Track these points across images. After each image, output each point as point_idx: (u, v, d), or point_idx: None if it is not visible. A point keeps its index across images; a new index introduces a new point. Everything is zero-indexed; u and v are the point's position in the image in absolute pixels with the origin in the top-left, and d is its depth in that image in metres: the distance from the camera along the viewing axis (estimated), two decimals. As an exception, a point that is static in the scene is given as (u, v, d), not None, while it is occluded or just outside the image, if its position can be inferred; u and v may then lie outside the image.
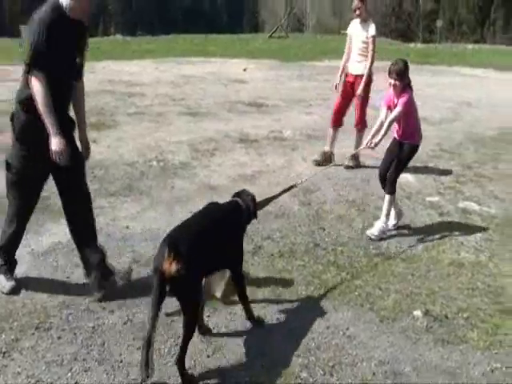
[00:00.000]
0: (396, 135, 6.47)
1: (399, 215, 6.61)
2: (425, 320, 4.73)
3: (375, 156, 8.78)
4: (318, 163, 8.31)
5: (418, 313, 4.81)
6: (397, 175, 6.40)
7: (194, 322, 3.86)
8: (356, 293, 5.06)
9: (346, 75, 8.56)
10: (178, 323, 4.32)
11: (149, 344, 3.58)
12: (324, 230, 6.26)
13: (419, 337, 4.51)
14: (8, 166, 4.63)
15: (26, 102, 4.38)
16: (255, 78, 16.50)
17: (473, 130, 11.59)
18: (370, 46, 8.32)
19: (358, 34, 8.40)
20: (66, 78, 4.52)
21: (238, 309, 4.61)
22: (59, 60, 4.31)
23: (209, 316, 4.56)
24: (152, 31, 40.13)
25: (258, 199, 4.76)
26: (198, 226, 3.99)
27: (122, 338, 4.26)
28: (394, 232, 6.43)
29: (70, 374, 3.86)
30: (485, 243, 6.37)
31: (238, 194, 4.63)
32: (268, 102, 12.98)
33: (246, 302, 4.44)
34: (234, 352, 4.17)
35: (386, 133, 6.21)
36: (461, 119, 12.67)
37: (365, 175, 8.02)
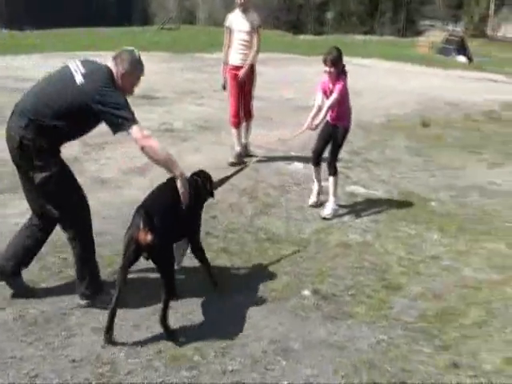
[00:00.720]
0: (329, 119, 6.84)
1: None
2: (313, 299, 4.93)
3: (267, 147, 9.04)
4: (234, 164, 8.18)
5: (306, 292, 5.01)
6: (335, 157, 6.88)
7: (171, 283, 4.20)
8: (247, 277, 5.21)
9: (231, 69, 8.37)
10: (69, 316, 4.39)
11: (114, 308, 4.02)
12: (215, 218, 6.36)
13: (308, 315, 4.70)
14: None
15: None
16: (146, 71, 16.24)
17: (361, 118, 11.93)
18: (256, 36, 8.26)
19: (241, 24, 8.25)
20: None
21: (131, 300, 4.63)
22: None
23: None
24: (39, 25, 38.89)
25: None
26: (165, 199, 4.35)
27: (13, 334, 4.20)
28: (283, 216, 6.62)
29: (-40, 372, 3.79)
30: (371, 224, 6.67)
31: (196, 174, 4.93)
32: (159, 94, 12.94)
33: (207, 265, 4.85)
34: (126, 340, 4.20)
35: (324, 116, 6.65)
36: (348, 107, 13.05)
37: (255, 164, 8.17)
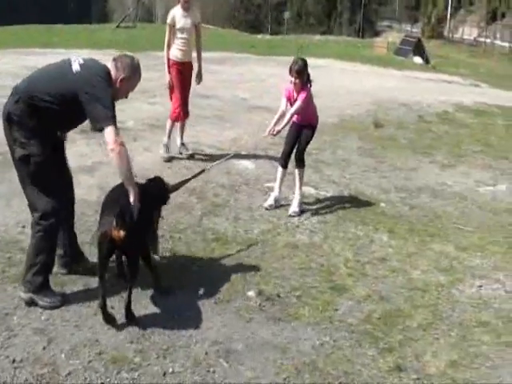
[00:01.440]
0: (296, 121, 7.04)
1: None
2: (258, 300, 4.87)
3: (218, 147, 8.98)
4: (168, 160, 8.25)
5: (251, 293, 4.94)
6: (303, 151, 7.13)
7: (137, 273, 4.46)
8: (192, 277, 5.12)
9: (174, 64, 8.35)
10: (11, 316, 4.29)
11: (104, 303, 4.26)
12: (163, 218, 6.24)
13: (252, 316, 4.65)
14: None
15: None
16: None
17: (314, 118, 12.00)
18: (197, 33, 8.36)
19: (183, 22, 8.21)
20: None
21: (73, 300, 4.59)
22: None
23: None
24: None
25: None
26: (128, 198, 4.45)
27: None
28: (232, 217, 6.56)
29: None
30: (319, 225, 6.65)
31: (151, 180, 5.20)
32: (112, 92, 12.75)
33: (152, 268, 4.85)
34: (68, 341, 4.11)
35: (287, 123, 6.87)
36: (302, 108, 13.06)
37: (203, 164, 8.10)
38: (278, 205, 7.08)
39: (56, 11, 62.58)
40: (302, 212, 6.96)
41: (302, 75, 6.71)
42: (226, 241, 5.95)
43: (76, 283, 4.82)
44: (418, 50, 34.22)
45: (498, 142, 11.98)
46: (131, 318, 4.39)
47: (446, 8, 68.93)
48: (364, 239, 6.38)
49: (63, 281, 4.82)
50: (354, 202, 7.51)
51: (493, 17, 67.34)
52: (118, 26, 33.79)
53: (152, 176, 5.35)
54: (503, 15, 66.70)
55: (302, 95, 6.75)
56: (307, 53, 25.99)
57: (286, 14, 55.58)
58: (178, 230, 6.07)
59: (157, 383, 3.81)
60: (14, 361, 3.87)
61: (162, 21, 55.85)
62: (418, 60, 32.31)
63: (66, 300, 4.59)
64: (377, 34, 63.70)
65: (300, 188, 7.09)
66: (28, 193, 4.55)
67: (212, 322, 4.51)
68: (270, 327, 4.53)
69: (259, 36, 41.69)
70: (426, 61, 32.98)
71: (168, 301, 4.72)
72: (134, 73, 4.59)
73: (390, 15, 79.38)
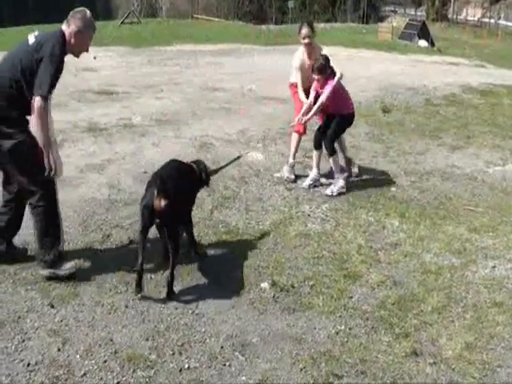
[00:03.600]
0: (327, 111, 7.43)
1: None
2: (272, 291, 4.88)
3: (224, 138, 8.98)
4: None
5: (264, 285, 4.95)
6: (330, 141, 7.36)
7: (178, 246, 4.69)
8: (206, 271, 5.12)
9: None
10: (24, 319, 4.29)
11: (141, 269, 4.58)
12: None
13: (266, 307, 4.66)
14: None
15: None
16: (106, 66, 16.15)
17: (322, 106, 11.96)
18: None
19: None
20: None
21: (86, 299, 4.60)
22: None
23: (53, 307, 4.50)
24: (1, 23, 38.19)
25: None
26: (173, 172, 4.95)
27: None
28: (243, 209, 6.56)
29: None
30: (331, 213, 6.64)
31: (194, 162, 5.48)
32: (118, 89, 12.74)
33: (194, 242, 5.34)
34: (82, 342, 4.12)
35: (315, 113, 7.28)
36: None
37: (215, 156, 8.10)
38: (318, 184, 7.48)
39: (61, 10, 62.57)
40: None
41: (323, 72, 7.05)
42: (237, 233, 5.95)
43: (89, 283, 4.83)
44: (423, 33, 33.92)
45: (505, 122, 11.90)
46: (171, 294, 4.66)
47: (450, -11, 68.46)
48: (375, 225, 6.37)
49: (76, 282, 4.83)
50: (365, 188, 7.49)
51: (497, -3, 66.83)
52: (122, 23, 33.70)
53: (195, 158, 5.73)
54: (507, -5, 66.17)
55: (328, 88, 7.08)
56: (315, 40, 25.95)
57: (290, 3, 55.13)
58: (190, 224, 6.07)
59: (173, 380, 3.83)
60: (28, 364, 3.88)
61: (166, 14, 55.78)
62: (422, 43, 32.03)
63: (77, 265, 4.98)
64: (381, 19, 63.13)
65: (337, 173, 7.38)
66: (20, 181, 4.73)
67: (226, 315, 4.53)
68: (285, 318, 4.54)
69: (264, 26, 41.46)
70: (431, 44, 32.69)
71: (181, 295, 4.75)
72: (87, 24, 4.75)
73: (394, 0, 78.93)
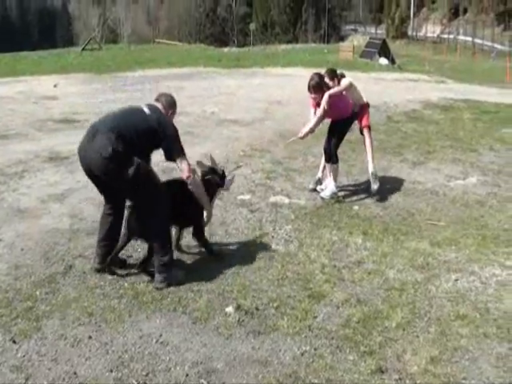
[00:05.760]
0: (330, 119, 7.84)
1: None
2: (237, 315, 4.85)
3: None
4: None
5: (229, 309, 4.92)
6: (333, 149, 7.81)
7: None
8: (169, 299, 5.09)
9: None
10: None
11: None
12: (137, 239, 6.19)
13: (231, 332, 4.63)
14: None
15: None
16: (67, 94, 16.12)
17: (283, 127, 12.02)
18: None
19: None
20: None
21: (49, 333, 4.54)
22: None
23: (15, 342, 4.42)
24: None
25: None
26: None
27: None
28: (206, 234, 6.54)
29: None
30: (294, 234, 6.66)
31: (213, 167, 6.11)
32: (80, 117, 12.64)
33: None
34: (46, 377, 4.06)
35: (315, 126, 7.66)
36: (272, 118, 13.14)
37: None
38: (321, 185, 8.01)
39: (21, 38, 62.29)
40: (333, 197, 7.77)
41: (318, 89, 7.34)
42: (201, 258, 5.94)
43: (52, 316, 4.76)
44: (384, 51, 34.48)
45: (465, 136, 12.12)
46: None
47: (409, 8, 69.80)
48: (339, 244, 6.40)
49: (38, 314, 4.77)
50: (328, 207, 7.55)
51: (455, 13, 68.28)
52: (83, 49, 33.67)
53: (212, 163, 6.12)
54: (465, 11, 67.63)
55: (324, 100, 7.35)
56: (273, 62, 26.17)
57: (252, 26, 55.74)
58: (153, 252, 6.04)
59: (139, 410, 3.78)
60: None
61: (127, 40, 55.92)
62: (383, 61, 32.53)
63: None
64: (342, 38, 64.09)
65: (331, 179, 7.79)
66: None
67: (191, 342, 4.49)
68: (250, 342, 4.53)
69: (226, 49, 41.80)
70: (392, 61, 33.23)
71: (143, 323, 4.70)
72: (175, 109, 5.86)
73: (355, 19, 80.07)
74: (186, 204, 5.60)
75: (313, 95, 7.32)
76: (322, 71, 7.98)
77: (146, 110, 5.48)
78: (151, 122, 5.40)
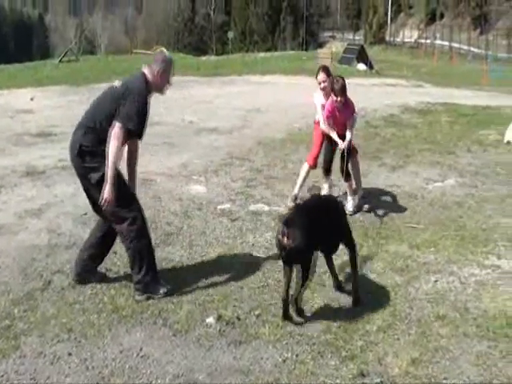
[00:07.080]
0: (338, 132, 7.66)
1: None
2: (218, 325, 4.84)
3: (168, 173, 8.96)
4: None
5: (210, 320, 4.91)
6: (347, 165, 7.73)
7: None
8: (149, 311, 5.05)
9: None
10: None
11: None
12: (116, 253, 6.14)
13: (212, 343, 4.61)
14: None
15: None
16: (43, 107, 15.94)
17: (262, 135, 12.07)
18: None
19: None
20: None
21: (27, 351, 4.49)
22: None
23: None
24: None
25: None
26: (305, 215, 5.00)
27: None
28: (186, 244, 6.53)
29: None
30: (274, 241, 6.63)
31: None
32: (57, 130, 12.53)
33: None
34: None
35: (351, 137, 7.70)
36: (250, 126, 13.17)
37: (157, 192, 8.08)
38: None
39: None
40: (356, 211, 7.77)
41: (345, 92, 7.32)
42: (181, 269, 5.92)
43: (30, 333, 4.70)
44: (362, 56, 34.67)
45: (443, 139, 12.23)
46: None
47: (386, 14, 70.29)
48: (319, 250, 6.40)
49: (16, 333, 4.71)
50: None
51: (432, 18, 68.84)
52: (60, 61, 33.48)
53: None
54: (442, 15, 68.21)
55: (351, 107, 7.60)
56: (252, 71, 26.21)
57: (230, 34, 55.96)
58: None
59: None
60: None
61: (105, 50, 55.77)
62: (361, 67, 32.71)
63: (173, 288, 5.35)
64: (320, 45, 64.51)
65: (350, 194, 7.87)
66: (108, 210, 5.08)
67: (172, 355, 4.46)
68: (232, 351, 4.51)
69: (204, 58, 41.80)
70: (370, 67, 33.41)
71: (123, 338, 4.67)
72: (168, 64, 5.24)
73: (333, 26, 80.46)
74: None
75: (338, 98, 7.30)
76: (301, 78, 8.03)
77: (117, 83, 5.20)
78: (116, 96, 5.05)
